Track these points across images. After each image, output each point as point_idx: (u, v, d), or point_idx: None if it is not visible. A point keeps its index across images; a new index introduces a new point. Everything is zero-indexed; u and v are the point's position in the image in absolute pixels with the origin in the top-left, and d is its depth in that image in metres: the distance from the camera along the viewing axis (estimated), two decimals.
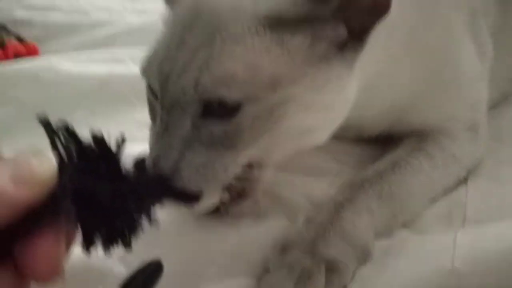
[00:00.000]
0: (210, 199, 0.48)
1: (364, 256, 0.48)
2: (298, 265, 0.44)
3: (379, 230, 0.51)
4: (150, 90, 0.50)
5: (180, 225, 0.50)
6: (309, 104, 0.47)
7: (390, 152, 0.60)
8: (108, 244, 0.32)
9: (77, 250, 0.33)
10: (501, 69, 0.72)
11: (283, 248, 0.47)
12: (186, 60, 0.45)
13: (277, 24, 0.46)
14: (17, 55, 0.93)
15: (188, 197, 0.46)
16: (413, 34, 0.56)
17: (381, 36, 0.49)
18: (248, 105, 0.45)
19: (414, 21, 0.56)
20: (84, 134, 0.33)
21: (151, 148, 0.46)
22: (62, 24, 1.06)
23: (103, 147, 0.33)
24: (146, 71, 0.50)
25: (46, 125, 0.31)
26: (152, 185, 0.35)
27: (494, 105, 0.73)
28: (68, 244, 0.31)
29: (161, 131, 0.46)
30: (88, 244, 0.31)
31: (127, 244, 0.33)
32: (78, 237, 0.32)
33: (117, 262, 0.43)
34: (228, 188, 0.48)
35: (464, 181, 0.60)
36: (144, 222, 0.33)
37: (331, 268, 0.45)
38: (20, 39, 0.97)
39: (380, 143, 0.64)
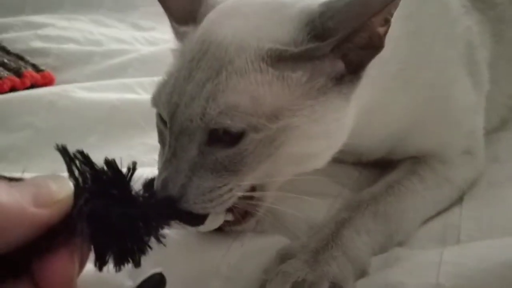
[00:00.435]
0: (215, 221, 0.50)
1: (361, 274, 0.50)
2: (294, 273, 0.46)
3: (376, 250, 0.53)
4: (160, 118, 0.53)
5: (184, 237, 0.52)
6: (308, 133, 0.50)
7: (385, 175, 0.62)
8: (119, 263, 0.34)
9: (88, 264, 0.35)
10: (499, 96, 0.75)
11: (282, 258, 0.49)
12: (194, 92, 0.48)
13: (279, 60, 0.49)
14: (34, 84, 0.96)
15: (194, 219, 0.48)
16: (406, 69, 0.59)
17: (374, 70, 0.52)
18: (250, 133, 0.47)
19: (408, 56, 0.59)
20: (98, 158, 0.36)
21: (160, 172, 0.49)
22: (76, 54, 1.08)
23: (115, 172, 0.35)
24: (156, 100, 0.53)
25: (63, 151, 0.34)
26: (160, 207, 0.37)
27: (493, 130, 0.74)
28: (82, 262, 0.33)
29: (170, 156, 0.48)
30: (100, 263, 0.34)
31: (137, 263, 0.35)
32: (91, 255, 0.34)
33: (126, 276, 0.45)
34: (232, 209, 0.50)
35: (458, 202, 0.61)
36: (153, 241, 0.35)
37: (335, 283, 0.47)
38: (36, 68, 1.00)
39: (378, 166, 0.66)
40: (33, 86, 0.96)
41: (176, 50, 0.56)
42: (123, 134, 0.80)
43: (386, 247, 0.54)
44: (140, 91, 0.92)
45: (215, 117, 0.47)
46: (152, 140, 0.77)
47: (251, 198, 0.51)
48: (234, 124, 0.47)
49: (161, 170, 0.49)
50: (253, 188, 0.51)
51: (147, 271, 0.37)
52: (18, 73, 0.96)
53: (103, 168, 0.35)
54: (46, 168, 0.73)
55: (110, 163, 0.35)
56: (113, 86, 0.93)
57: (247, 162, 0.48)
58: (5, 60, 0.99)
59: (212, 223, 0.50)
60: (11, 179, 0.32)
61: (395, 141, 0.63)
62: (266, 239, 0.53)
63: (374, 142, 0.63)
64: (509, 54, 0.77)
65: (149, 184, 0.40)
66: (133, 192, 0.36)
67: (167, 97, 0.50)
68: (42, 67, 1.01)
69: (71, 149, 0.35)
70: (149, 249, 0.36)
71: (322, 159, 0.54)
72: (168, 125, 0.50)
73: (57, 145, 0.34)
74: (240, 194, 0.49)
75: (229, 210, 0.51)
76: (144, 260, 0.36)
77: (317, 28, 0.49)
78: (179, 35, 0.57)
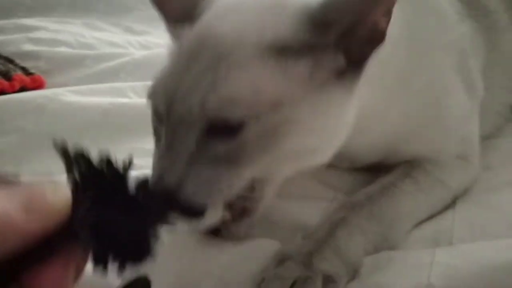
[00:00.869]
0: (213, 215, 0.49)
1: (353, 273, 0.50)
2: (291, 276, 0.47)
3: (369, 250, 0.53)
4: (155, 113, 0.52)
5: (176, 237, 0.51)
6: (310, 127, 0.49)
7: (380, 178, 0.62)
8: (119, 270, 0.32)
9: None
10: (493, 103, 0.75)
11: (280, 260, 0.49)
12: (192, 83, 0.47)
13: (281, 52, 0.48)
14: (23, 87, 0.95)
15: (192, 212, 0.47)
16: (404, 74, 0.59)
17: (373, 71, 0.52)
18: (251, 124, 0.46)
19: (404, 60, 0.59)
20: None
21: (155, 165, 0.48)
22: (68, 57, 1.07)
23: (114, 171, 0.33)
24: (152, 94, 0.52)
25: (63, 151, 0.32)
26: (157, 203, 0.35)
27: (487, 137, 0.74)
28: (79, 271, 0.31)
29: (166, 148, 0.47)
30: (100, 270, 0.32)
31: (136, 270, 0.33)
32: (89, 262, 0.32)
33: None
34: (230, 207, 0.50)
35: (451, 206, 0.62)
36: (153, 246, 0.34)
37: (328, 278, 0.47)
38: (26, 71, 0.99)
39: (372, 171, 0.66)
40: (22, 89, 0.95)
41: (173, 49, 0.55)
42: (115, 138, 0.79)
43: (379, 248, 0.54)
44: (132, 96, 0.92)
45: (215, 108, 0.46)
46: (144, 144, 0.77)
47: (249, 198, 0.50)
48: (234, 115, 0.46)
49: (156, 163, 0.48)
50: (251, 189, 0.50)
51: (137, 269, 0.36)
52: (7, 76, 0.95)
53: (102, 168, 0.33)
54: (36, 172, 0.72)
55: (108, 162, 0.33)
56: (104, 90, 0.92)
57: (247, 154, 0.47)
58: None
59: (210, 218, 0.49)
60: (5, 181, 0.29)
61: (390, 146, 0.63)
62: (258, 240, 0.53)
63: (368, 147, 0.63)
64: (502, 62, 0.77)
65: (143, 182, 0.38)
66: (130, 192, 0.34)
67: (164, 88, 0.49)
68: (33, 70, 1.00)
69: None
70: (150, 256, 0.34)
71: (322, 155, 0.53)
72: (164, 117, 0.49)
73: (55, 143, 0.32)
74: (239, 186, 0.48)
75: (227, 208, 0.50)
76: None
77: (319, 20, 0.49)
78: (175, 34, 0.56)
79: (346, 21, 0.48)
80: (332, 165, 0.59)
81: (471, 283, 0.44)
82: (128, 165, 0.34)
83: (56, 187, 0.29)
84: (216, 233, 0.53)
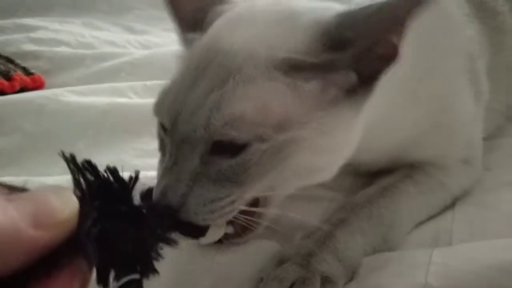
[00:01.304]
0: (215, 233, 0.50)
1: (352, 274, 0.50)
2: (290, 277, 0.47)
3: (368, 251, 0.53)
4: (161, 125, 0.51)
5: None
6: (315, 146, 0.49)
7: (380, 178, 0.62)
8: (123, 286, 0.32)
9: None
10: (495, 104, 0.75)
11: (279, 261, 0.49)
12: (199, 101, 0.47)
13: (293, 69, 0.47)
14: (24, 87, 0.95)
15: (194, 230, 0.47)
16: (410, 81, 0.58)
17: (384, 83, 0.50)
18: (255, 144, 0.46)
19: (412, 69, 0.58)
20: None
21: (159, 181, 0.47)
22: (68, 57, 1.08)
23: (120, 183, 0.33)
24: (158, 108, 0.51)
25: (71, 161, 0.31)
26: (161, 219, 0.35)
27: (489, 137, 0.74)
28: (84, 284, 0.30)
29: (170, 164, 0.47)
30: (104, 283, 0.31)
31: (140, 286, 0.33)
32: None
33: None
34: (233, 222, 0.50)
35: (451, 206, 0.62)
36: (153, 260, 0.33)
37: (326, 279, 0.47)
38: (26, 71, 0.99)
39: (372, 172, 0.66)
40: (23, 89, 0.95)
41: (181, 57, 0.55)
42: (114, 138, 0.80)
43: (378, 249, 0.54)
44: (132, 95, 0.92)
45: (220, 128, 0.46)
46: (143, 144, 0.77)
47: (252, 213, 0.50)
48: (239, 135, 0.46)
49: (160, 178, 0.47)
50: (255, 203, 0.50)
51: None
52: (7, 76, 0.95)
53: (108, 179, 0.32)
54: (35, 172, 0.72)
55: (114, 173, 0.33)
56: (104, 90, 0.92)
57: (251, 173, 0.47)
58: None
59: (212, 235, 0.49)
60: (12, 189, 0.29)
61: (397, 153, 0.63)
62: (257, 241, 0.53)
63: (377, 156, 0.62)
64: (508, 64, 0.77)
65: (147, 194, 0.38)
66: (135, 203, 0.34)
67: (169, 105, 0.49)
68: (33, 70, 1.00)
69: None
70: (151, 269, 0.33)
71: (328, 172, 0.53)
72: (169, 133, 0.49)
73: (63, 153, 0.31)
74: (242, 206, 0.48)
75: (230, 222, 0.50)
76: None
77: (334, 39, 0.48)
78: (185, 42, 0.56)
79: (364, 41, 0.47)
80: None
81: (469, 282, 0.44)
82: (135, 179, 0.33)
83: (64, 197, 0.29)
84: (218, 243, 0.53)
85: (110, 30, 1.31)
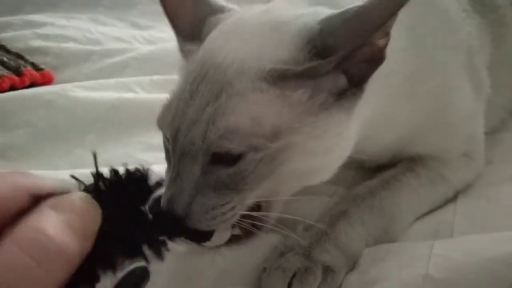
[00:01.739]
0: (221, 236, 0.51)
1: (353, 264, 0.52)
2: (292, 267, 0.48)
3: (369, 242, 0.54)
4: (166, 138, 0.53)
5: None
6: (310, 149, 0.50)
7: (382, 172, 0.63)
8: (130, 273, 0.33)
9: None
10: (498, 99, 0.75)
11: (281, 252, 0.51)
12: (195, 115, 0.49)
13: (280, 79, 0.48)
14: (33, 82, 0.96)
15: (199, 236, 0.49)
16: (410, 79, 0.59)
17: (378, 82, 0.51)
18: (250, 153, 0.48)
19: (411, 67, 0.58)
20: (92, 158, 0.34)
21: (165, 191, 0.49)
22: (75, 53, 1.09)
23: (135, 185, 0.34)
24: (160, 123, 0.53)
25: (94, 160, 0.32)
26: (167, 225, 0.37)
27: (492, 131, 0.75)
28: None
29: (174, 176, 0.49)
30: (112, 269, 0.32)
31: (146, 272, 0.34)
32: None
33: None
34: (239, 224, 0.51)
35: (452, 199, 0.62)
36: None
37: (327, 269, 0.49)
38: (36, 67, 1.00)
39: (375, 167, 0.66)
40: (32, 85, 0.96)
41: (181, 68, 0.56)
42: (121, 132, 0.81)
43: (379, 240, 0.55)
44: (138, 90, 0.93)
45: (216, 141, 0.47)
46: (149, 139, 0.78)
47: (255, 217, 0.51)
48: (234, 146, 0.47)
49: (166, 189, 0.49)
50: (258, 206, 0.52)
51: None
52: (17, 71, 0.96)
53: (127, 181, 0.34)
54: (44, 166, 0.74)
55: (133, 175, 0.34)
56: (111, 85, 0.93)
57: (248, 181, 0.49)
58: (5, 59, 0.99)
59: (219, 239, 0.51)
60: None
61: (398, 148, 0.64)
62: (256, 236, 0.54)
63: (378, 152, 0.63)
64: (509, 56, 0.77)
65: (156, 201, 0.39)
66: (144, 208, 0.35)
67: (169, 120, 0.51)
68: (42, 66, 1.02)
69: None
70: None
71: (327, 173, 0.54)
72: (171, 146, 0.50)
73: (94, 155, 0.33)
74: (242, 212, 0.50)
75: (236, 225, 0.51)
76: None
77: (318, 46, 0.48)
78: (184, 53, 0.57)
79: (345, 46, 0.47)
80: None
81: (470, 274, 0.45)
82: (157, 185, 0.35)
83: (90, 205, 0.30)
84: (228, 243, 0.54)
85: (116, 25, 1.32)
